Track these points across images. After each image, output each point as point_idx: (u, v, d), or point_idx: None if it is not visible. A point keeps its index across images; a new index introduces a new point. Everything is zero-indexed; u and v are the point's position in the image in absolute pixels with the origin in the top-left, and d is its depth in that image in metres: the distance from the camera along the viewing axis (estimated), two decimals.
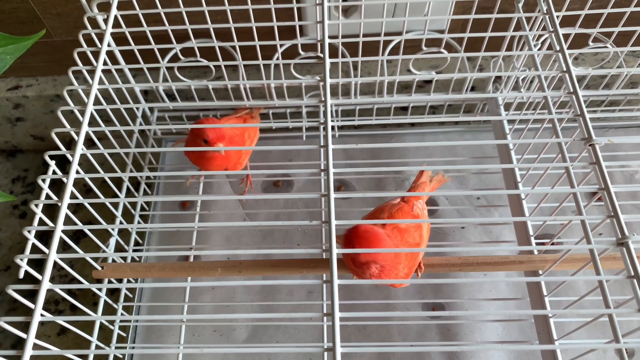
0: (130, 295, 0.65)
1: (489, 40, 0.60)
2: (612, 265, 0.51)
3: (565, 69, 0.48)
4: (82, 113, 0.48)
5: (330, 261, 0.37)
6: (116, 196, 0.65)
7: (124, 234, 0.67)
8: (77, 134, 0.46)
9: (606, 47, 0.61)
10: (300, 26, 0.66)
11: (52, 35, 0.70)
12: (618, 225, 0.39)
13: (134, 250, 0.67)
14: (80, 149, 0.45)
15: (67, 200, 0.42)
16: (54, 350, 0.40)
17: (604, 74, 0.69)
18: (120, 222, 0.63)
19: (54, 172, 0.46)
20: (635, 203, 0.69)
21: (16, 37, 0.51)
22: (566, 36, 0.58)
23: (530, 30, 0.57)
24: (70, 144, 0.78)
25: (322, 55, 0.53)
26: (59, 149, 0.47)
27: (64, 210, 0.42)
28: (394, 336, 0.63)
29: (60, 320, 0.43)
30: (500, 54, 0.52)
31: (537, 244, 0.60)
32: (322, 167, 0.43)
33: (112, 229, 0.60)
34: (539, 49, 0.61)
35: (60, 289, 0.42)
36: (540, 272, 0.55)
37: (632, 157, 0.72)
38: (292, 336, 0.63)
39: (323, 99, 0.45)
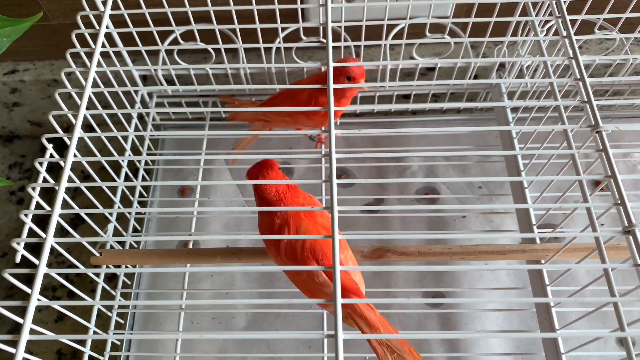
0: (129, 282, 0.65)
1: (493, 26, 0.59)
2: (615, 255, 0.50)
3: (572, 55, 0.47)
4: (80, 96, 0.47)
5: (333, 248, 0.37)
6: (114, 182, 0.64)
7: (122, 221, 0.67)
8: (75, 116, 0.46)
9: (612, 34, 0.60)
10: (302, 11, 0.65)
11: (49, 19, 0.69)
12: (625, 213, 0.38)
13: (133, 237, 0.66)
14: (78, 132, 0.45)
15: (64, 183, 0.42)
16: (50, 335, 0.39)
17: (608, 63, 0.69)
18: (118, 207, 0.62)
19: (52, 156, 0.45)
20: (638, 193, 0.68)
21: (13, 19, 0.50)
22: (572, 23, 0.58)
23: (536, 15, 0.56)
24: (68, 129, 0.77)
25: (324, 41, 0.52)
26: (57, 133, 0.46)
27: (61, 194, 0.41)
28: (393, 325, 0.62)
29: (57, 305, 0.42)
30: (506, 39, 0.51)
31: (538, 232, 0.60)
32: (324, 153, 0.42)
33: (110, 214, 0.60)
34: (545, 36, 0.60)
35: (58, 274, 0.41)
36: (543, 261, 0.55)
37: (635, 146, 0.72)
38: (291, 324, 0.63)
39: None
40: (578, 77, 0.46)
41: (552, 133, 0.55)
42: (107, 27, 0.52)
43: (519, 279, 0.64)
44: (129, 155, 0.66)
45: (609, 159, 0.41)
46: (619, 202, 0.39)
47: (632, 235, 0.38)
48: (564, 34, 0.49)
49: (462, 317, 0.63)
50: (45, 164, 0.44)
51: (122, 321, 0.62)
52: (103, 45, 0.52)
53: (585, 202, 0.43)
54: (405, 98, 0.77)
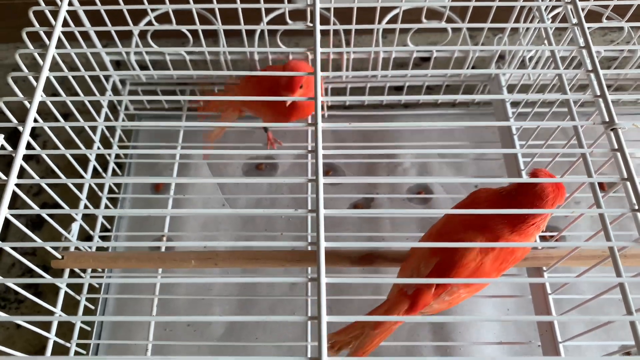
0: (97, 286, 0.59)
1: (494, 14, 0.55)
2: (624, 263, 0.46)
3: (583, 45, 0.43)
4: (37, 80, 0.42)
5: (318, 257, 0.32)
6: (81, 177, 0.59)
7: (90, 218, 0.61)
8: (30, 103, 0.41)
9: (621, 23, 0.56)
10: None
11: None
12: None
13: (102, 238, 0.61)
14: (32, 120, 0.40)
15: (14, 179, 0.37)
16: (3, 316, 0.34)
17: (614, 56, 0.64)
18: (86, 206, 0.57)
19: (3, 147, 0.40)
20: None
21: None
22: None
23: (542, 0, 0.52)
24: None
25: (311, 25, 0.47)
26: (10, 121, 0.41)
27: (10, 190, 0.36)
28: None
29: (11, 282, 0.37)
30: (508, 25, 0.47)
31: (540, 237, 0.56)
32: (310, 148, 0.38)
33: (76, 214, 0.54)
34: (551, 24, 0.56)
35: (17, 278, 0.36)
36: (545, 268, 0.51)
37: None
38: (273, 332, 0.58)
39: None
40: (590, 68, 0.42)
41: (557, 130, 0.51)
42: (71, 4, 0.47)
43: (517, 285, 0.60)
44: (99, 147, 0.60)
45: (625, 159, 0.37)
46: (637, 207, 0.35)
47: None
48: (574, 21, 0.44)
49: (457, 326, 0.59)
50: None
51: (88, 328, 0.57)
52: (66, 24, 0.47)
53: (598, 206, 0.39)
54: (397, 90, 0.72)
